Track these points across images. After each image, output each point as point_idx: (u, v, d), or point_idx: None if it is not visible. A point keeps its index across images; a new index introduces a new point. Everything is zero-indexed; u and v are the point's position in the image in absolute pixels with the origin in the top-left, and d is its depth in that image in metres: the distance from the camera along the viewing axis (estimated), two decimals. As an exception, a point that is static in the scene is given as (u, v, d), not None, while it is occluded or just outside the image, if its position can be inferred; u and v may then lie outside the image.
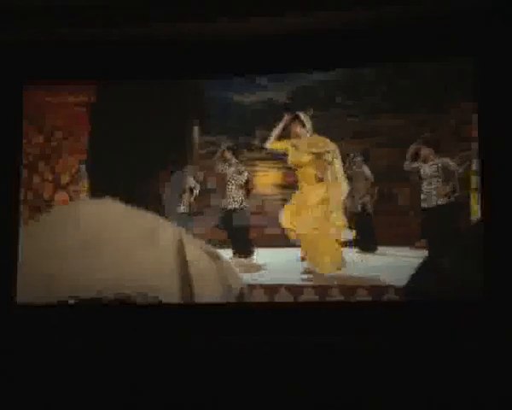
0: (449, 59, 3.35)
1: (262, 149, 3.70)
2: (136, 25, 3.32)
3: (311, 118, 3.66)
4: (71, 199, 3.52)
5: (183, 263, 1.34)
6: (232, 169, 3.74)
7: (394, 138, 3.51)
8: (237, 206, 3.70)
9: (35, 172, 3.64)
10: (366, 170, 3.64)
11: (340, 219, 3.59)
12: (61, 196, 3.55)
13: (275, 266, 3.46)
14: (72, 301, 1.23)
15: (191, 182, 3.59)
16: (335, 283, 3.41)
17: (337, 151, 3.60)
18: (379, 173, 3.58)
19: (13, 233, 3.49)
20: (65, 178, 3.58)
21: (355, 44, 3.37)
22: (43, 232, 1.29)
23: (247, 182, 3.74)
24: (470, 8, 3.13)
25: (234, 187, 3.74)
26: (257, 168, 3.72)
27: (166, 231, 1.42)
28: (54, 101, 3.68)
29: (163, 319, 3.03)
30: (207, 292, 1.31)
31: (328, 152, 3.61)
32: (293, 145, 3.68)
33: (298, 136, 3.67)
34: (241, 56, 3.47)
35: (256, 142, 3.71)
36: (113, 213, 1.34)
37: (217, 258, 1.42)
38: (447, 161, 3.43)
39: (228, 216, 3.65)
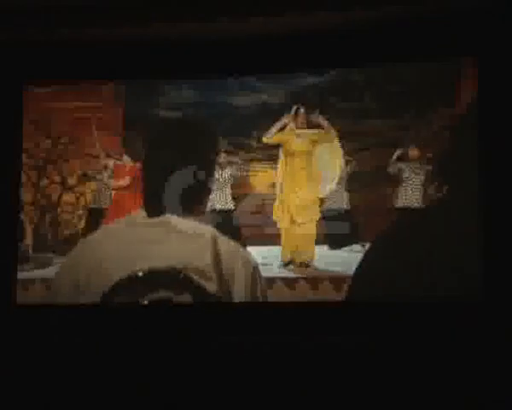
0: (449, 59, 3.36)
1: (259, 149, 3.76)
2: (136, 25, 3.31)
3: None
4: (77, 200, 3.65)
5: (217, 254, 1.73)
6: (226, 171, 3.82)
7: (383, 140, 3.57)
8: (231, 207, 3.81)
9: (43, 174, 3.72)
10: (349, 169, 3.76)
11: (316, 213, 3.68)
12: (68, 197, 3.67)
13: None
14: (140, 273, 1.68)
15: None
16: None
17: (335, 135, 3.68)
18: (366, 174, 3.65)
19: (14, 232, 3.51)
20: (71, 180, 3.69)
21: (356, 44, 3.36)
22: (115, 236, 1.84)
23: (238, 183, 3.83)
24: (470, 8, 3.12)
25: (228, 189, 3.83)
26: (254, 168, 3.79)
27: (204, 229, 1.81)
28: (59, 106, 3.73)
29: (162, 319, 3.04)
30: (234, 274, 1.75)
31: (330, 132, 3.68)
32: (295, 134, 3.75)
33: (302, 126, 3.75)
34: (242, 57, 3.47)
35: (253, 143, 3.76)
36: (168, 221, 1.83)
37: (239, 250, 1.84)
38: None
39: (225, 217, 3.72)
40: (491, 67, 3.19)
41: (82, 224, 3.84)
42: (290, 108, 3.73)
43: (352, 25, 3.28)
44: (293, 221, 3.74)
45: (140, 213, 1.86)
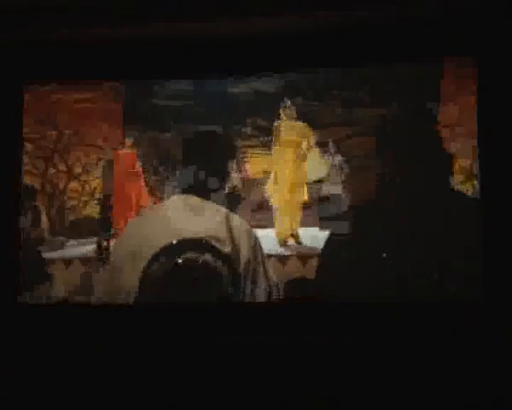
0: (449, 59, 3.36)
1: (253, 136, 3.87)
2: (136, 25, 3.31)
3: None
4: (82, 187, 3.81)
5: (229, 227, 2.32)
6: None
7: (372, 129, 3.60)
8: (235, 192, 3.93)
9: (51, 164, 3.85)
10: (337, 159, 3.81)
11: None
12: (73, 185, 3.82)
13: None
14: (174, 242, 2.29)
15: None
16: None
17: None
18: (355, 161, 3.70)
19: (14, 230, 3.53)
20: (77, 169, 3.83)
21: (355, 44, 3.37)
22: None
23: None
24: (470, 8, 3.12)
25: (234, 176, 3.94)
26: (248, 155, 3.90)
27: (220, 209, 2.42)
28: (62, 98, 3.80)
29: (162, 319, 3.05)
30: (241, 241, 2.34)
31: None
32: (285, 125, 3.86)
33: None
34: (242, 57, 3.48)
35: (247, 130, 3.85)
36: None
37: (245, 226, 2.46)
38: None
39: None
40: (491, 67, 3.19)
41: (96, 210, 4.07)
42: (283, 96, 3.82)
43: (352, 25, 3.28)
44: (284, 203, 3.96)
45: (175, 198, 2.47)
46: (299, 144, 3.90)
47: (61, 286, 3.69)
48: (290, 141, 3.88)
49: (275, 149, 3.96)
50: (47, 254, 3.80)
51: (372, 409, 2.95)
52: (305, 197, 3.90)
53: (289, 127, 3.84)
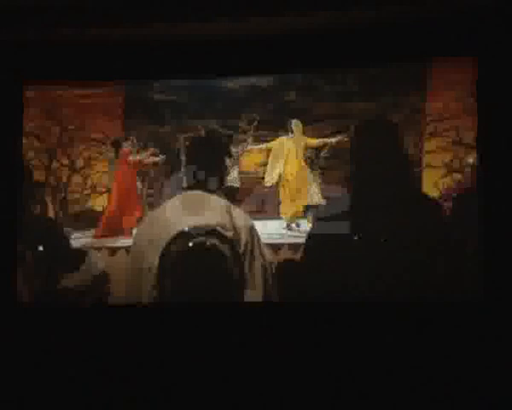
0: (449, 60, 3.38)
1: (248, 131, 3.93)
2: (136, 25, 3.32)
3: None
4: (84, 181, 3.87)
5: (231, 217, 2.63)
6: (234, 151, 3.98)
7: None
8: (235, 184, 4.01)
9: (54, 158, 3.90)
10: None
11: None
12: (75, 178, 3.88)
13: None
14: (186, 229, 2.57)
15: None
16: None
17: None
18: (347, 153, 3.77)
19: (14, 230, 3.53)
20: (79, 163, 3.88)
21: (355, 44, 3.37)
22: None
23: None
24: (470, 8, 3.13)
25: (236, 168, 3.99)
26: (244, 148, 3.96)
27: (223, 202, 2.71)
28: (65, 94, 3.84)
29: (162, 319, 3.05)
30: (241, 229, 2.64)
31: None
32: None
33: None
34: (241, 57, 3.49)
35: (243, 124, 3.91)
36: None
37: (244, 216, 2.74)
38: None
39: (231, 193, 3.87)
40: (491, 67, 3.19)
41: (97, 201, 4.15)
42: (277, 90, 3.88)
43: (351, 25, 3.29)
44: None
45: (183, 194, 2.75)
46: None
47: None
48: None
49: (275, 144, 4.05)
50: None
51: (371, 409, 2.95)
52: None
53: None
